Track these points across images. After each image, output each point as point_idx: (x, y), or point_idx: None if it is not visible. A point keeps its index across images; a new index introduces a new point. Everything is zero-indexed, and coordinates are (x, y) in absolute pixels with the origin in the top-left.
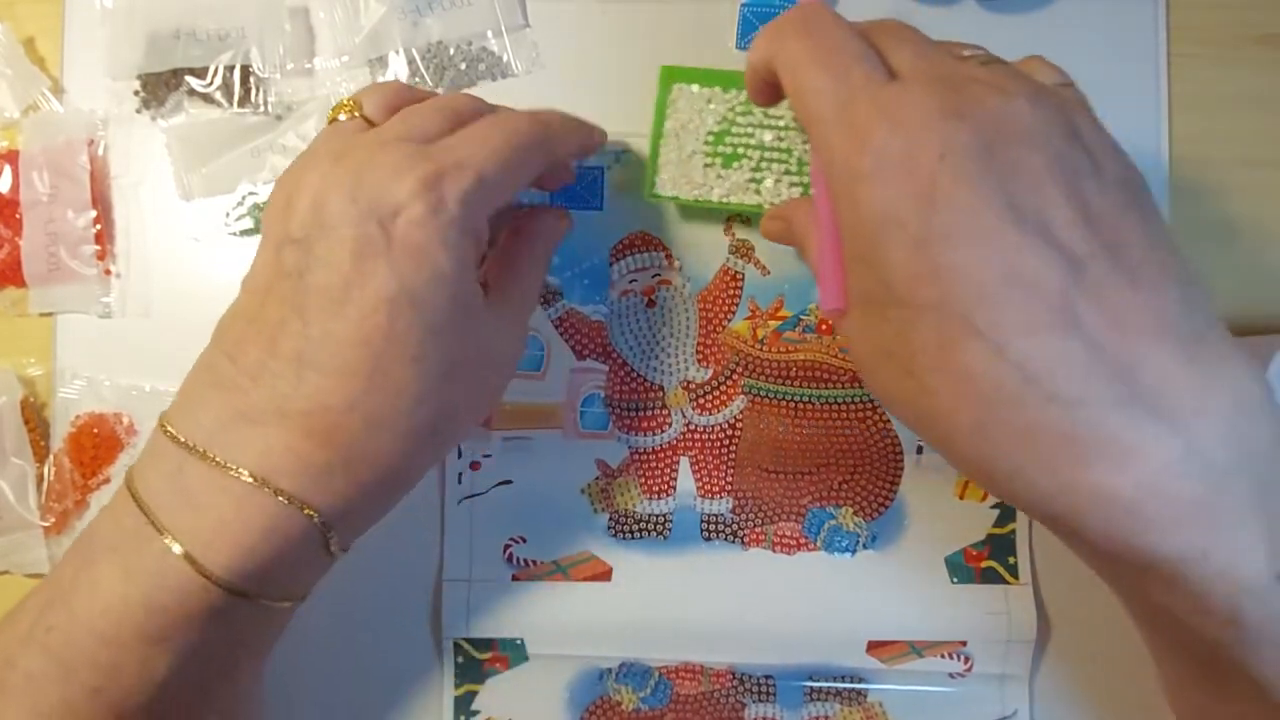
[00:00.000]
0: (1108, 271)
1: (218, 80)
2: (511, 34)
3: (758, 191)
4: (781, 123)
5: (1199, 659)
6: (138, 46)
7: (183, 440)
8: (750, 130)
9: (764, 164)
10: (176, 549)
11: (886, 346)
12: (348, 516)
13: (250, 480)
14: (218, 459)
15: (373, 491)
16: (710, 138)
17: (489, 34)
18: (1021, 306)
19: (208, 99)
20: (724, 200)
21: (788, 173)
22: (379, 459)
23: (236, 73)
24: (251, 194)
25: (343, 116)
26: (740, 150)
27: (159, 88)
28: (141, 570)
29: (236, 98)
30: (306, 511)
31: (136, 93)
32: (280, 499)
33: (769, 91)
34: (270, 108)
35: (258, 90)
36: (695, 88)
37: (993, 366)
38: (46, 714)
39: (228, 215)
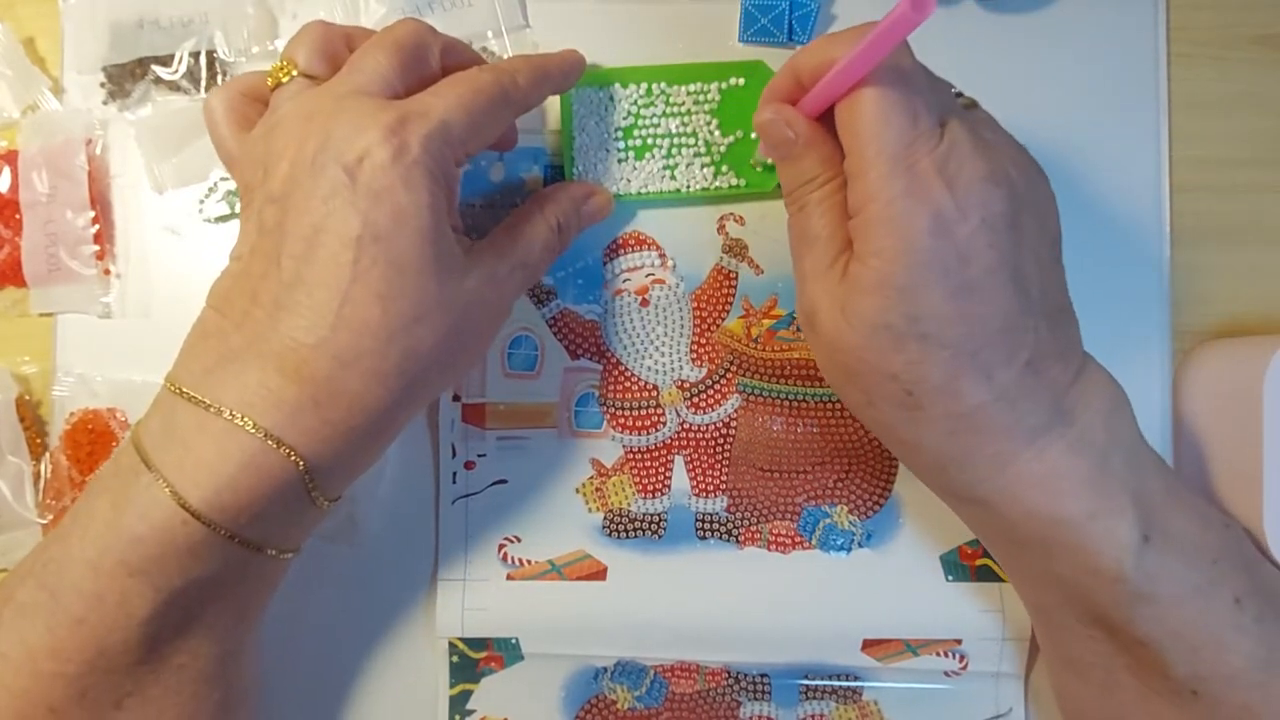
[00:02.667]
0: (1049, 323)
1: (183, 67)
2: (512, 34)
3: (673, 177)
4: (684, 109)
5: (1091, 635)
6: (101, 38)
7: (175, 388)
8: (656, 120)
9: (674, 150)
10: (161, 482)
11: (891, 370)
12: (325, 459)
13: (229, 417)
14: (203, 400)
15: (346, 434)
16: (619, 133)
17: (489, 34)
18: (1007, 348)
19: (174, 87)
20: (641, 191)
21: (698, 155)
22: (350, 399)
23: (202, 58)
24: (224, 179)
25: (285, 79)
26: (650, 141)
27: (125, 79)
28: (128, 502)
29: (203, 84)
30: (283, 449)
31: (102, 84)
32: (257, 435)
33: (791, 95)
34: None
35: (224, 75)
36: (590, 89)
37: (979, 390)
38: (32, 645)
39: (201, 202)
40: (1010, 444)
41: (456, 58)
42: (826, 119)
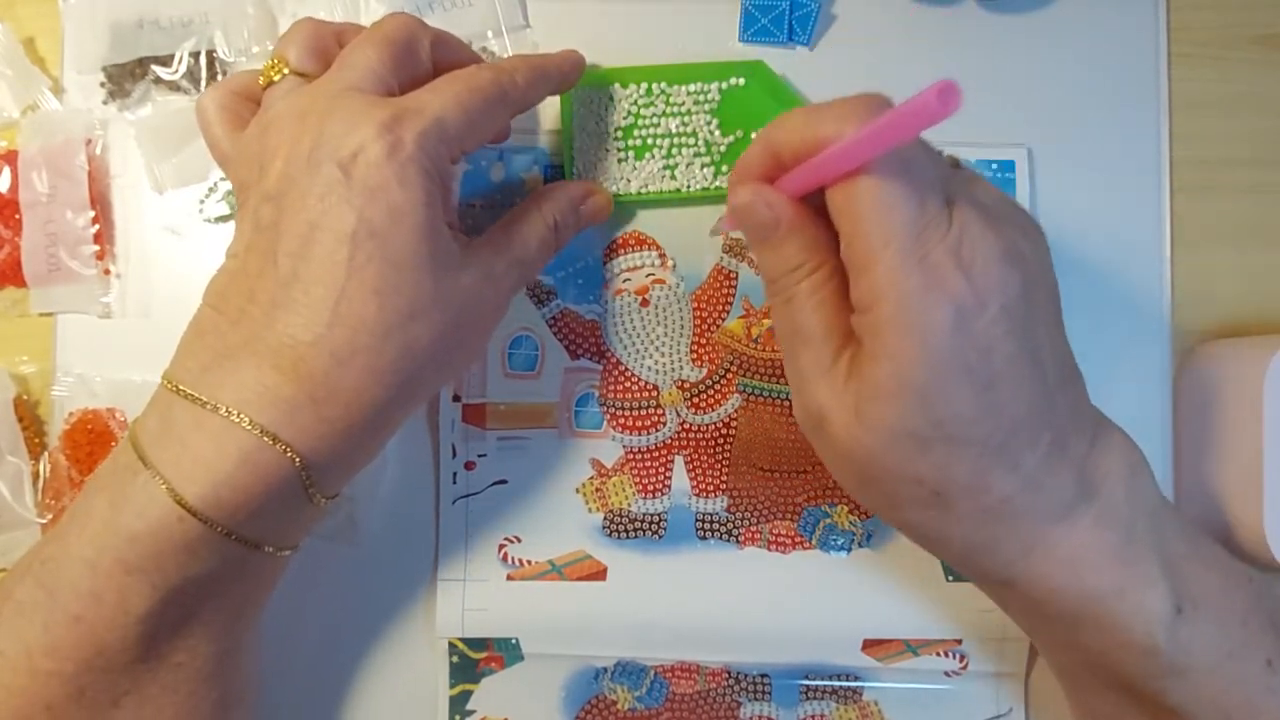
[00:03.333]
0: (1062, 393)
1: (183, 67)
2: (512, 34)
3: (673, 177)
4: (684, 109)
5: (1119, 700)
6: (101, 38)
7: (172, 385)
8: (656, 120)
9: (674, 150)
10: (158, 479)
11: (916, 476)
12: (322, 456)
13: (226, 414)
14: (201, 397)
15: (344, 431)
16: (619, 133)
17: (489, 34)
18: (1032, 433)
19: (174, 87)
20: (642, 191)
21: (698, 155)
22: (347, 396)
23: (202, 58)
24: (224, 179)
25: (276, 78)
26: (650, 141)
27: (125, 79)
28: (125, 500)
29: (203, 84)
30: (280, 446)
31: (102, 84)
32: (254, 432)
33: (768, 172)
34: None
35: (223, 75)
36: (590, 89)
37: (1008, 481)
38: (29, 642)
39: (201, 202)
40: (1039, 526)
41: (448, 51)
42: (809, 197)
